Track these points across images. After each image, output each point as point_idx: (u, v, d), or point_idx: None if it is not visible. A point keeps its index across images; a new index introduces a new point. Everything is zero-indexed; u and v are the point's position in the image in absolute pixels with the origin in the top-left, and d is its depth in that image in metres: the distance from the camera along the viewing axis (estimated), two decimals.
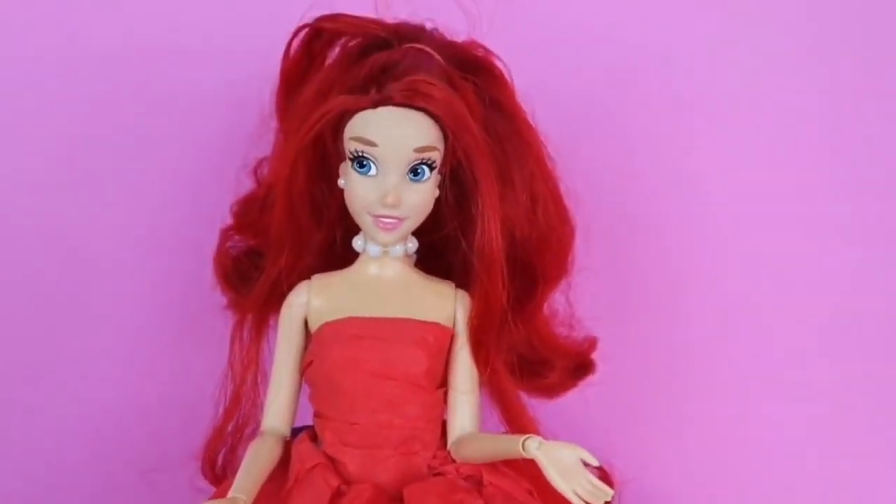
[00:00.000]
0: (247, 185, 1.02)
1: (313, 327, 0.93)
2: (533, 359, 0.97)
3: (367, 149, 0.88)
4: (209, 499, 0.86)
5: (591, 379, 1.02)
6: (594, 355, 1.02)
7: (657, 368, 1.24)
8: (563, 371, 0.98)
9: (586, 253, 1.01)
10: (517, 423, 0.98)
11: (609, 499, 0.82)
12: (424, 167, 0.89)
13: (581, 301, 1.04)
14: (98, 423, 1.18)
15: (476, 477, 0.90)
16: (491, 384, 0.95)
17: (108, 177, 1.19)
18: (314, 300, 0.93)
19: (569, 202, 0.99)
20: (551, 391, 0.99)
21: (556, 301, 1.03)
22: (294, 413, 0.94)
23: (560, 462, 0.82)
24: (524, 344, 0.96)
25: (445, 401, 0.93)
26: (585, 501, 0.81)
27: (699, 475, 1.26)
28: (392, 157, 0.88)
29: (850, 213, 1.25)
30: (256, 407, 0.95)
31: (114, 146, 1.19)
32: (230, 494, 0.84)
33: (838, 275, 1.25)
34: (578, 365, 1.00)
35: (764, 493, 1.26)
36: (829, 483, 1.27)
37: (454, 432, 0.92)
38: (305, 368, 0.93)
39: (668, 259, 1.24)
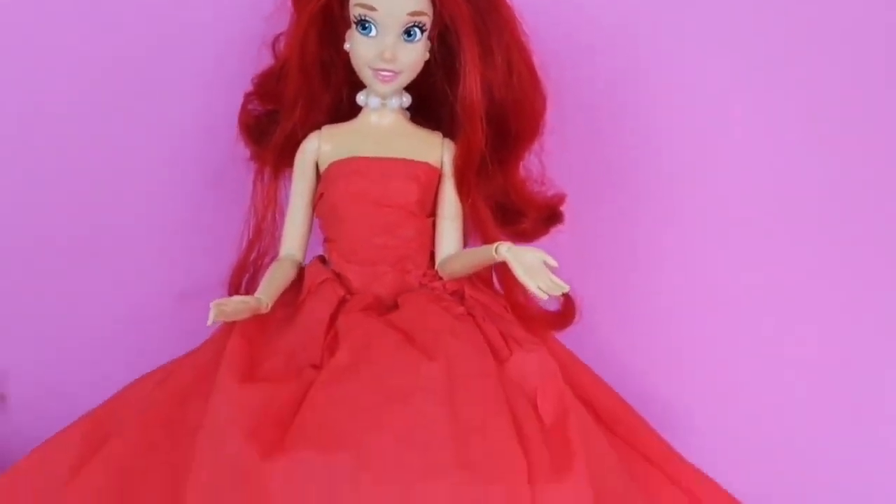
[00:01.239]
0: (266, 59, 1.19)
1: (322, 168, 1.10)
2: (509, 207, 1.14)
3: (368, 13, 1.05)
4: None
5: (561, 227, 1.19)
6: (562, 208, 1.19)
7: (629, 233, 1.37)
8: (536, 219, 1.15)
9: (560, 120, 1.18)
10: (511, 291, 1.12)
11: (566, 291, 0.98)
12: (416, 29, 1.06)
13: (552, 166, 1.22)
14: (139, 259, 1.34)
15: (460, 292, 1.08)
16: (474, 221, 1.12)
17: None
18: (323, 146, 1.10)
19: (541, 74, 1.16)
20: (526, 236, 1.15)
21: (531, 163, 1.20)
22: (306, 243, 1.12)
23: (525, 262, 0.99)
24: (502, 194, 1.13)
25: (434, 229, 1.11)
26: (546, 294, 0.98)
27: (666, 335, 1.38)
28: (389, 19, 1.05)
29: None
30: (275, 240, 1.13)
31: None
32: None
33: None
34: (549, 215, 1.16)
35: (728, 349, 1.38)
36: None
37: (441, 254, 1.10)
38: (317, 202, 1.11)
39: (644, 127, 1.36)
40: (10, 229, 1.35)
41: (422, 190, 1.09)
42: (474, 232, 1.14)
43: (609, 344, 1.33)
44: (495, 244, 1.02)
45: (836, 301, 1.39)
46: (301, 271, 1.11)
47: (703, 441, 1.29)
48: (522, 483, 0.92)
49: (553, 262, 0.99)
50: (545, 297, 0.98)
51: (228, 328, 1.04)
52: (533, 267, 0.99)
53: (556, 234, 1.18)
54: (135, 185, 1.33)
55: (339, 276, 1.08)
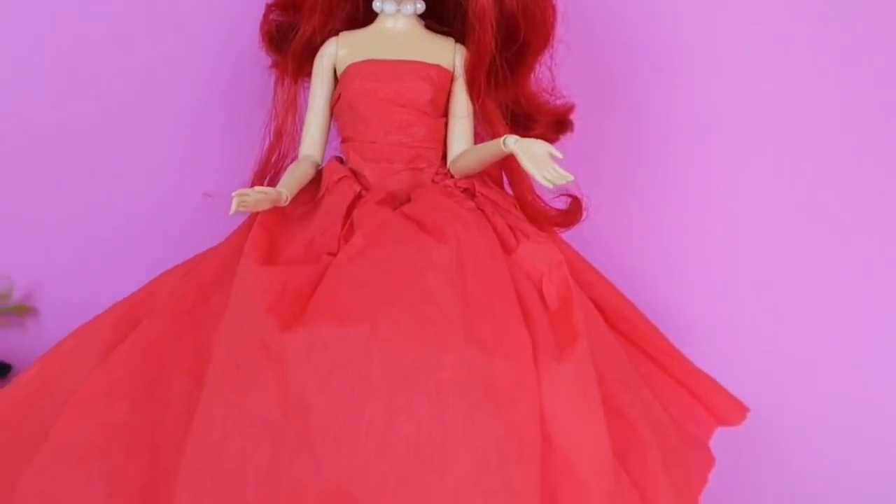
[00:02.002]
0: None
1: (340, 71, 1.15)
2: (520, 114, 1.18)
3: None
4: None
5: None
6: (572, 117, 1.23)
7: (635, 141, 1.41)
8: (546, 125, 1.19)
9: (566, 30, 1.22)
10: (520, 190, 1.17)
11: (570, 180, 1.03)
12: None
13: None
14: (163, 165, 1.41)
15: (470, 189, 1.13)
16: (484, 123, 1.16)
17: None
18: (341, 50, 1.15)
19: None
20: None
21: (542, 73, 1.25)
22: (325, 144, 1.17)
23: (532, 152, 1.04)
24: (513, 102, 1.18)
25: (446, 129, 1.16)
26: (552, 183, 1.03)
27: (671, 246, 1.42)
28: None
29: None
30: (295, 143, 1.18)
31: None
32: None
33: None
34: (559, 122, 1.21)
35: (733, 259, 1.42)
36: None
37: (452, 152, 1.15)
38: (335, 104, 1.16)
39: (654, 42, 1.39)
40: (34, 146, 1.41)
41: (434, 90, 1.13)
42: (485, 137, 1.19)
43: (612, 253, 1.37)
44: (503, 137, 1.07)
45: (846, 214, 1.43)
46: (319, 172, 1.16)
47: (704, 351, 1.32)
48: (527, 360, 0.97)
49: (559, 154, 1.04)
50: (550, 186, 1.03)
51: (249, 224, 1.10)
52: (539, 157, 1.03)
53: (564, 140, 1.23)
54: (158, 93, 1.38)
55: (355, 174, 1.14)
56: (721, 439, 1.24)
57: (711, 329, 1.41)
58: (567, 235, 1.21)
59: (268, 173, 1.19)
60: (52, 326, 1.45)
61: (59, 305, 1.44)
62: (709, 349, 1.32)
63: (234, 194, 1.02)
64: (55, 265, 1.44)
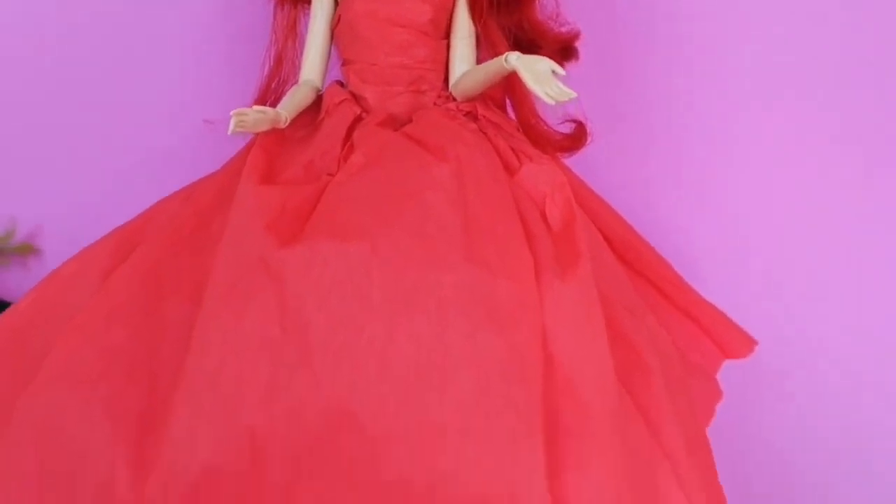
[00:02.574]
0: None
1: None
2: (524, 39, 1.16)
3: None
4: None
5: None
6: (577, 44, 1.21)
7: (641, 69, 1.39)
8: (550, 52, 1.17)
9: None
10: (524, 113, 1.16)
11: (573, 97, 1.01)
12: None
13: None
14: (162, 95, 1.40)
15: (473, 112, 1.12)
16: (486, 45, 1.14)
17: None
18: None
19: None
20: None
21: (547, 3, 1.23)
22: (325, 69, 1.16)
23: (534, 70, 1.02)
24: (517, 26, 1.15)
25: (448, 51, 1.14)
26: (553, 99, 1.01)
27: (674, 175, 1.41)
28: None
29: None
30: (295, 68, 1.17)
31: None
32: None
33: None
34: (563, 49, 1.18)
35: (736, 190, 1.41)
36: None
37: (454, 73, 1.13)
38: (335, 26, 1.14)
39: None
40: (34, 86, 1.41)
41: (435, 10, 1.12)
42: (484, 46, 1.16)
43: (617, 185, 1.35)
44: (505, 54, 1.05)
45: (854, 155, 1.41)
46: (319, 97, 1.15)
47: (709, 287, 1.31)
48: (529, 280, 0.96)
49: (561, 71, 1.02)
50: (552, 102, 1.01)
51: (248, 148, 1.09)
52: (541, 74, 1.02)
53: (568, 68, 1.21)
54: (158, 27, 1.37)
55: (356, 97, 1.12)
56: (727, 373, 1.23)
57: (716, 264, 1.39)
58: (572, 165, 1.20)
59: (268, 99, 1.17)
60: (54, 266, 1.43)
61: (62, 245, 1.40)
62: (714, 284, 1.31)
63: (232, 113, 1.00)
64: (58, 205, 1.44)
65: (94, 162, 1.43)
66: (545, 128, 1.13)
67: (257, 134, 1.07)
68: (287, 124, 1.08)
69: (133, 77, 1.40)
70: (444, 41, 1.14)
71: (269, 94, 1.17)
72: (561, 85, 1.01)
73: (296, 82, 1.16)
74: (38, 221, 1.44)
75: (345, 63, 1.15)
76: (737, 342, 1.22)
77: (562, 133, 1.13)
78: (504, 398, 0.91)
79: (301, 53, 1.16)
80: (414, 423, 0.91)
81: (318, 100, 1.14)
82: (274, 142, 1.06)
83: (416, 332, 0.92)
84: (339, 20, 1.13)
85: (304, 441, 0.91)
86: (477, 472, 0.90)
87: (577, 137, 1.13)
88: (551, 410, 0.93)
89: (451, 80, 1.14)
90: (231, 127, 1.00)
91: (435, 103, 1.12)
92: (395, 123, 1.09)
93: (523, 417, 0.91)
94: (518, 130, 1.13)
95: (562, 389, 0.94)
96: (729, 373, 1.23)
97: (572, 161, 1.20)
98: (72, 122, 1.41)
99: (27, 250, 1.44)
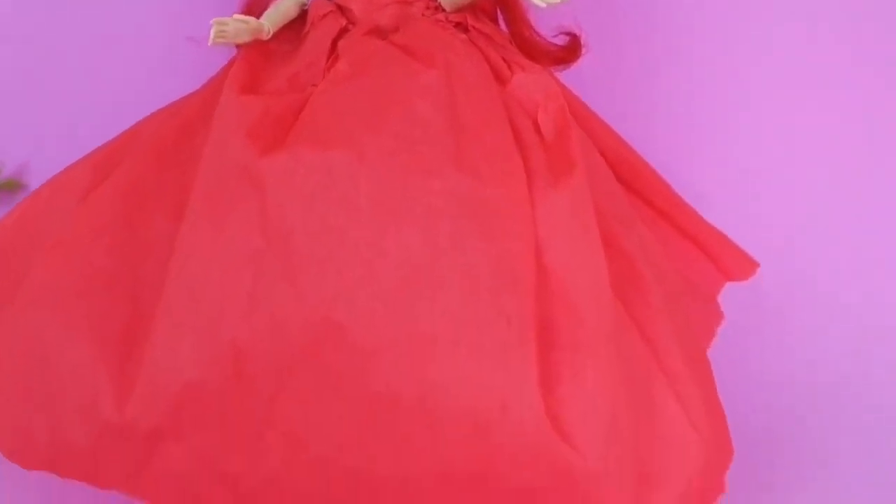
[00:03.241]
0: None
1: None
2: None
3: None
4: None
5: None
6: None
7: None
8: None
9: None
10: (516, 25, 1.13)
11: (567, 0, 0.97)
12: None
13: None
14: (157, 31, 1.37)
15: (463, 24, 1.07)
16: None
17: None
18: None
19: None
20: None
21: None
22: None
23: None
24: None
25: None
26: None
27: (674, 100, 1.39)
28: None
29: None
30: None
31: None
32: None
33: None
34: None
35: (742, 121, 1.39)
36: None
37: None
38: None
39: None
40: (19, 22, 1.38)
41: None
42: None
43: (619, 107, 1.32)
44: None
45: (861, 79, 1.39)
46: (305, 12, 1.11)
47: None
48: (521, 187, 0.93)
49: None
50: (544, 5, 0.98)
51: (231, 63, 1.05)
52: None
53: None
54: None
55: (341, 9, 1.08)
56: (728, 296, 1.20)
57: (719, 192, 1.36)
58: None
59: (252, 14, 1.13)
60: None
61: None
62: (715, 212, 1.29)
63: (212, 21, 0.97)
64: (45, 141, 1.40)
65: (83, 97, 1.39)
66: (538, 39, 1.09)
67: (240, 47, 1.03)
68: (270, 36, 1.04)
69: (121, 10, 1.37)
70: None
71: (254, 11, 1.13)
72: None
73: None
74: (25, 158, 1.41)
75: None
76: (737, 264, 1.19)
77: (556, 44, 1.09)
78: (495, 308, 0.88)
79: None
80: (402, 334, 0.88)
81: (304, 14, 1.10)
82: (257, 54, 1.03)
83: (404, 241, 0.89)
84: None
85: (288, 353, 0.89)
86: (467, 384, 0.88)
87: (571, 49, 1.09)
88: (545, 321, 0.90)
89: None
90: (211, 37, 0.97)
91: (423, 14, 1.07)
92: (382, 34, 1.05)
93: (515, 328, 0.89)
94: (510, 42, 1.09)
95: (556, 300, 0.91)
96: (729, 300, 1.21)
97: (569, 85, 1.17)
98: (57, 56, 1.38)
99: (14, 187, 1.41)
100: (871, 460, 1.19)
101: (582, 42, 1.09)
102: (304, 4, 1.11)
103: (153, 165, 1.00)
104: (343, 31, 1.05)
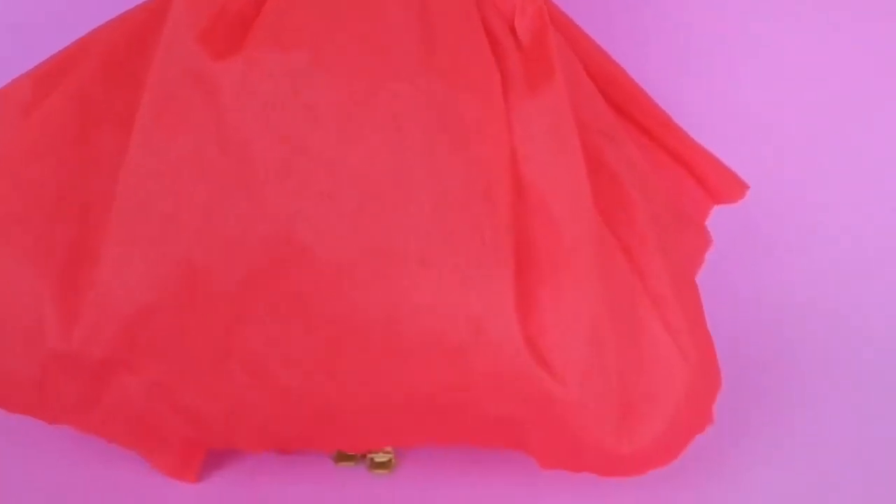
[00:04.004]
0: None
1: None
2: None
3: None
4: None
5: None
6: None
7: None
8: None
9: None
10: None
11: None
12: None
13: None
14: None
15: None
16: None
17: None
18: None
19: None
20: None
21: None
22: None
23: None
24: None
25: None
26: None
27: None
28: None
29: None
30: None
31: None
32: None
33: None
34: None
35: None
36: None
37: None
38: None
39: None
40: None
41: None
42: None
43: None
44: None
45: None
46: None
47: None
48: (495, 93, 0.86)
49: None
50: None
51: None
52: None
53: None
54: None
55: None
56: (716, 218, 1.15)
57: (708, 114, 1.30)
58: None
59: None
60: None
61: None
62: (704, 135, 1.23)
63: None
64: None
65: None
66: None
67: None
68: None
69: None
70: None
71: None
72: None
73: None
74: None
75: None
76: (727, 185, 1.12)
77: None
78: (468, 216, 0.82)
79: None
80: (367, 252, 0.82)
81: None
82: None
83: (368, 149, 0.82)
84: None
85: (247, 273, 0.83)
86: (439, 305, 0.82)
87: None
88: (522, 237, 0.84)
89: None
90: None
91: None
92: None
93: (489, 243, 0.83)
94: None
95: (534, 214, 0.85)
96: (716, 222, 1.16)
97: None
98: None
99: None
100: (861, 390, 1.14)
101: None
102: None
103: (101, 77, 0.92)
104: None
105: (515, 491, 0.96)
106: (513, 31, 0.91)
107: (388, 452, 0.98)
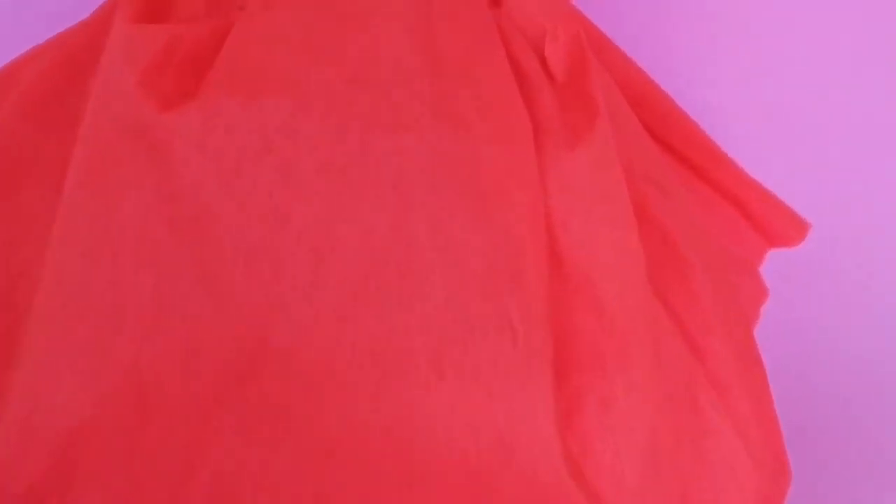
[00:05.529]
0: None
1: None
2: None
3: None
4: None
5: None
6: None
7: None
8: None
9: None
10: None
11: None
12: None
13: None
14: None
15: None
16: None
17: None
18: None
19: None
20: None
21: None
22: None
23: None
24: None
25: None
26: None
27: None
28: None
29: None
30: None
31: None
32: None
33: None
34: None
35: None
36: None
37: None
38: None
39: None
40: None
41: None
42: None
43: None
44: None
45: None
46: None
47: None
48: (526, 145, 0.68)
49: None
50: None
51: None
52: None
53: None
54: None
55: None
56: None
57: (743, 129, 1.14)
58: None
59: None
60: None
61: None
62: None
63: None
64: None
65: None
66: None
67: None
68: None
69: None
70: None
71: None
72: None
73: None
74: None
75: None
76: (786, 227, 0.95)
77: None
78: (493, 306, 0.65)
79: None
80: (365, 354, 0.64)
81: None
82: None
83: (365, 219, 0.64)
84: None
85: (210, 383, 0.65)
86: (456, 419, 0.65)
87: None
88: (561, 329, 0.67)
89: None
90: None
91: None
92: None
93: (520, 339, 0.65)
94: None
95: (575, 298, 0.68)
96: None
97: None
98: None
99: None
100: None
101: None
102: None
103: (27, 122, 0.74)
104: None
105: None
106: (543, 60, 0.73)
107: None
